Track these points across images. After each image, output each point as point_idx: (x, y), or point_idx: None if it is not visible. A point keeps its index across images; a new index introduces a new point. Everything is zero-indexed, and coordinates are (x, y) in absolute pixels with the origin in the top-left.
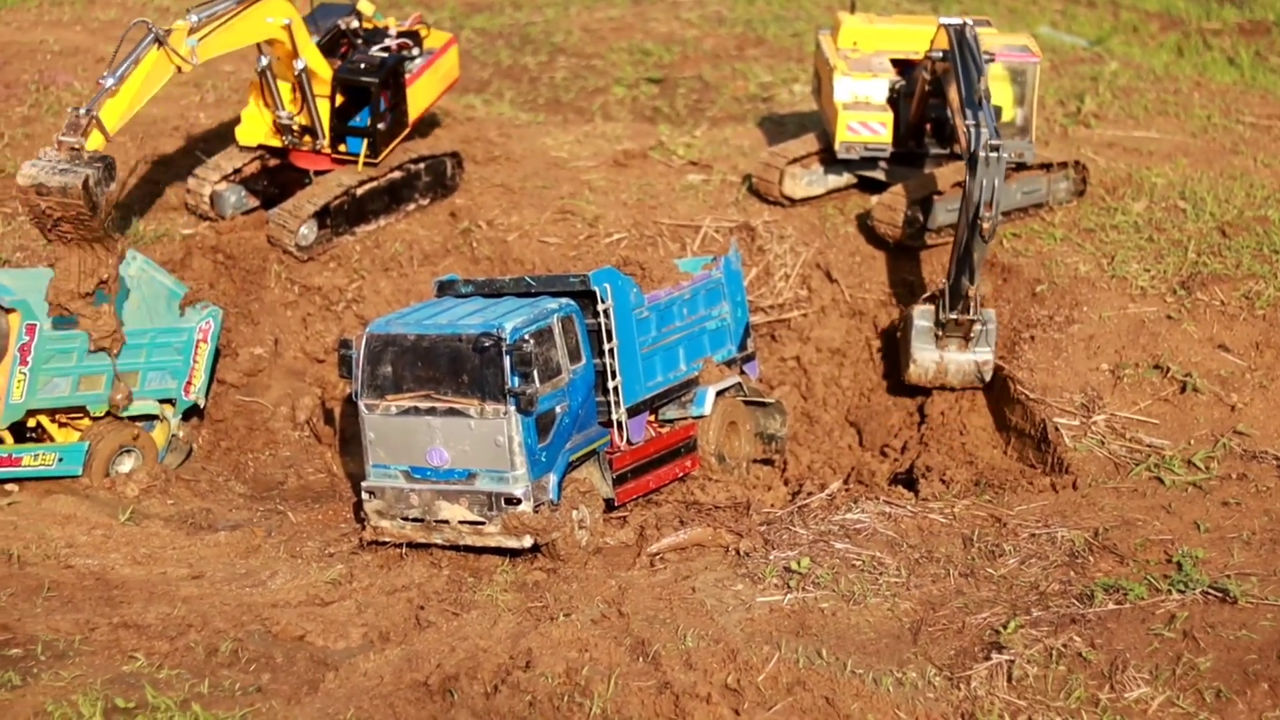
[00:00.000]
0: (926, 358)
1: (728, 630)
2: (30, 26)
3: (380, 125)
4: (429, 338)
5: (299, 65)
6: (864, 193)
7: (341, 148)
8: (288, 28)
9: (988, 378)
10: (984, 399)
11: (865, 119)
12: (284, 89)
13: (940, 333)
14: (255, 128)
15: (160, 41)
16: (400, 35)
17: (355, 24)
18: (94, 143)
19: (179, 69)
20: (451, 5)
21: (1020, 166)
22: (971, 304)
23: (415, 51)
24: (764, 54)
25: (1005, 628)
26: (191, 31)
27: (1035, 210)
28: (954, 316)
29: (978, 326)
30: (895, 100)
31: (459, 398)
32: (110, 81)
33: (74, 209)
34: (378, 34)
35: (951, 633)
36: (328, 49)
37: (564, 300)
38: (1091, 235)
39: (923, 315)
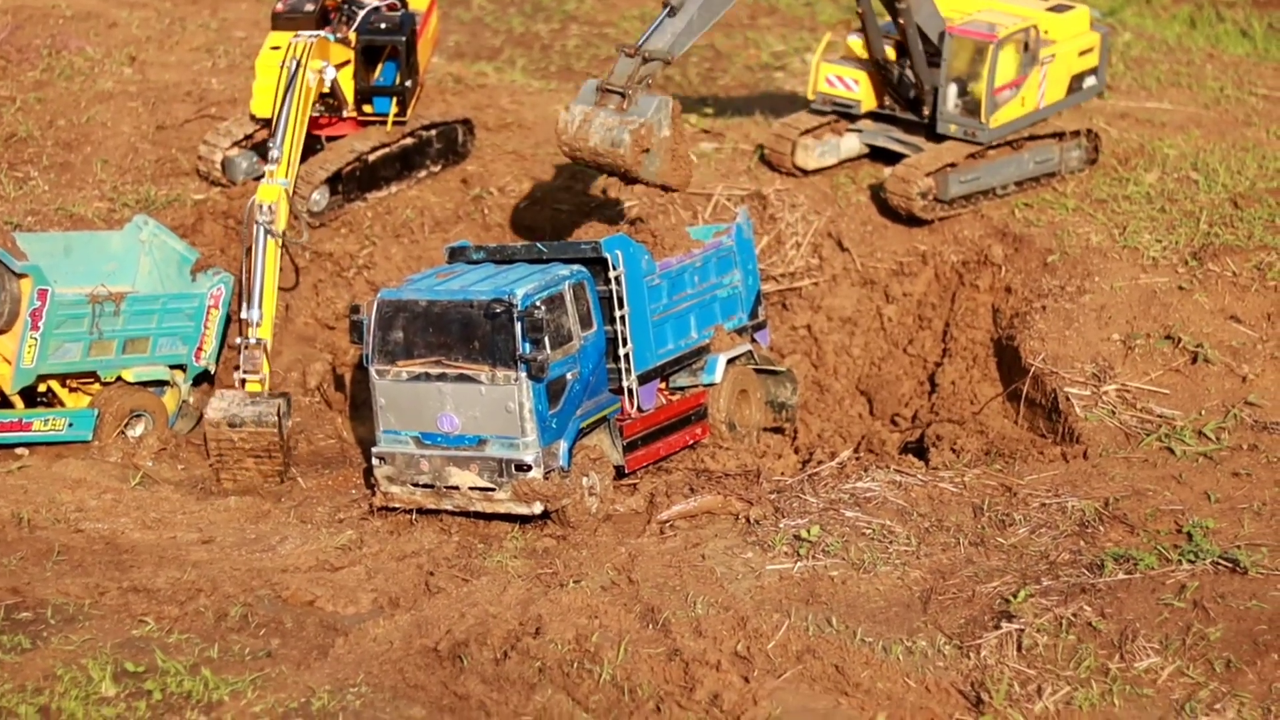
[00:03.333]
0: (574, 111)
1: (737, 598)
2: None
3: (408, 83)
4: (440, 303)
5: (330, 76)
6: (875, 162)
7: (367, 108)
8: (321, 71)
9: (625, 153)
10: (995, 368)
11: (842, 73)
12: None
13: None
14: (269, 100)
15: (271, 233)
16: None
17: None
18: (266, 366)
19: (286, 246)
20: None
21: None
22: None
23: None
24: (776, 23)
25: (1015, 597)
26: (272, 175)
27: (1047, 180)
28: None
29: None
30: (881, 61)
31: (470, 364)
32: (255, 313)
33: (266, 439)
34: (358, 0)
35: (961, 601)
36: (320, 21)
37: (575, 267)
38: (1103, 205)
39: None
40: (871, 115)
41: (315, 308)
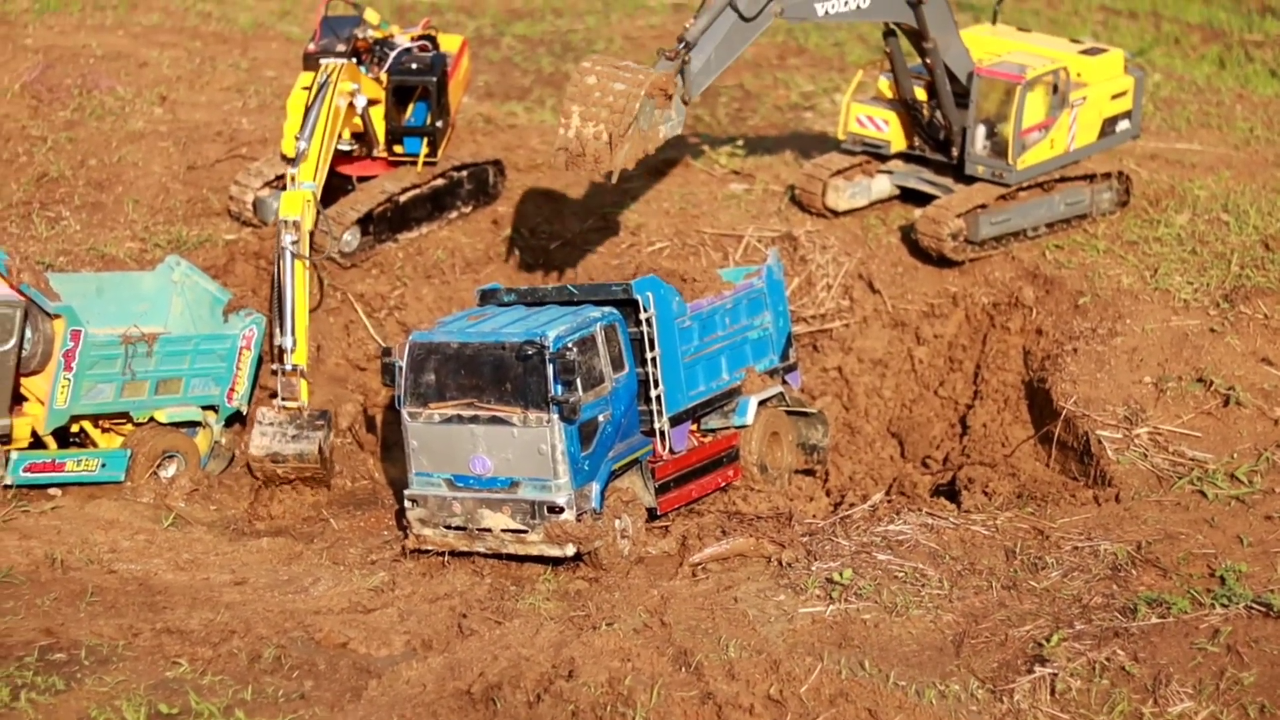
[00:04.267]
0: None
1: (770, 641)
2: (73, 30)
3: (439, 123)
4: (472, 345)
5: (360, 104)
6: (906, 204)
7: (398, 149)
8: (353, 92)
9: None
10: (1026, 411)
11: (872, 113)
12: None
13: None
14: None
15: (298, 256)
16: (418, 39)
17: (369, 32)
18: (304, 393)
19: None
20: (493, 12)
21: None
22: None
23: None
24: (805, 63)
25: (1048, 641)
26: (294, 180)
27: (1078, 221)
28: None
29: None
30: (910, 101)
31: (502, 406)
32: (289, 340)
33: (309, 470)
34: (390, 42)
35: (994, 645)
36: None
37: (607, 309)
38: (1134, 247)
39: None
40: (902, 156)
41: (347, 348)
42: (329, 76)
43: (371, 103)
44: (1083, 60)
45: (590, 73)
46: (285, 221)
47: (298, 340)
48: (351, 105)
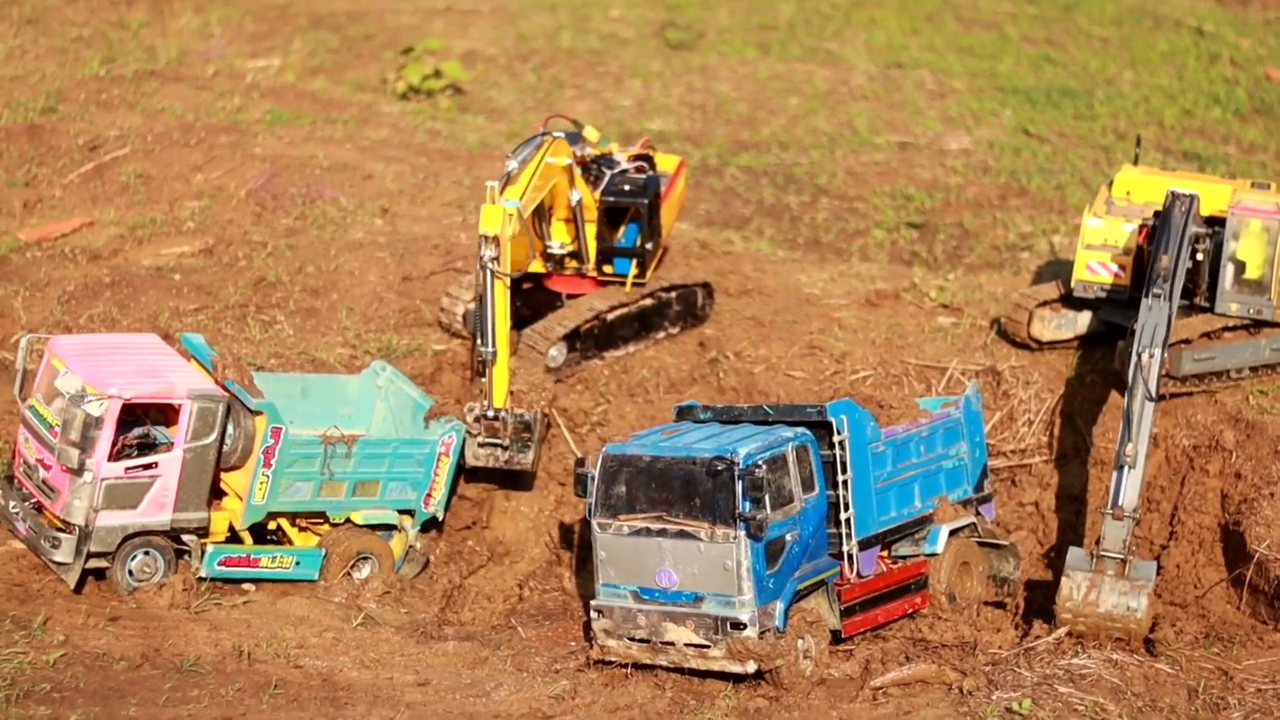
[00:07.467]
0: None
1: None
2: (302, 142)
3: (649, 245)
4: (663, 459)
5: (574, 198)
6: (1112, 342)
7: (607, 269)
8: (568, 167)
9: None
10: (1220, 554)
11: (1105, 260)
12: (555, 217)
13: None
14: (516, 256)
15: (495, 273)
16: (635, 159)
17: (587, 150)
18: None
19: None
20: (718, 142)
21: (1259, 324)
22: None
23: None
24: (1026, 204)
25: None
26: (494, 193)
27: None
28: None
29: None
30: (1140, 247)
31: (690, 520)
32: (490, 351)
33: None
34: (609, 159)
35: None
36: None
37: (800, 429)
38: None
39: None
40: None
41: (547, 462)
42: (543, 139)
43: (585, 222)
44: None
45: None
46: (485, 237)
47: (499, 351)
48: (568, 175)
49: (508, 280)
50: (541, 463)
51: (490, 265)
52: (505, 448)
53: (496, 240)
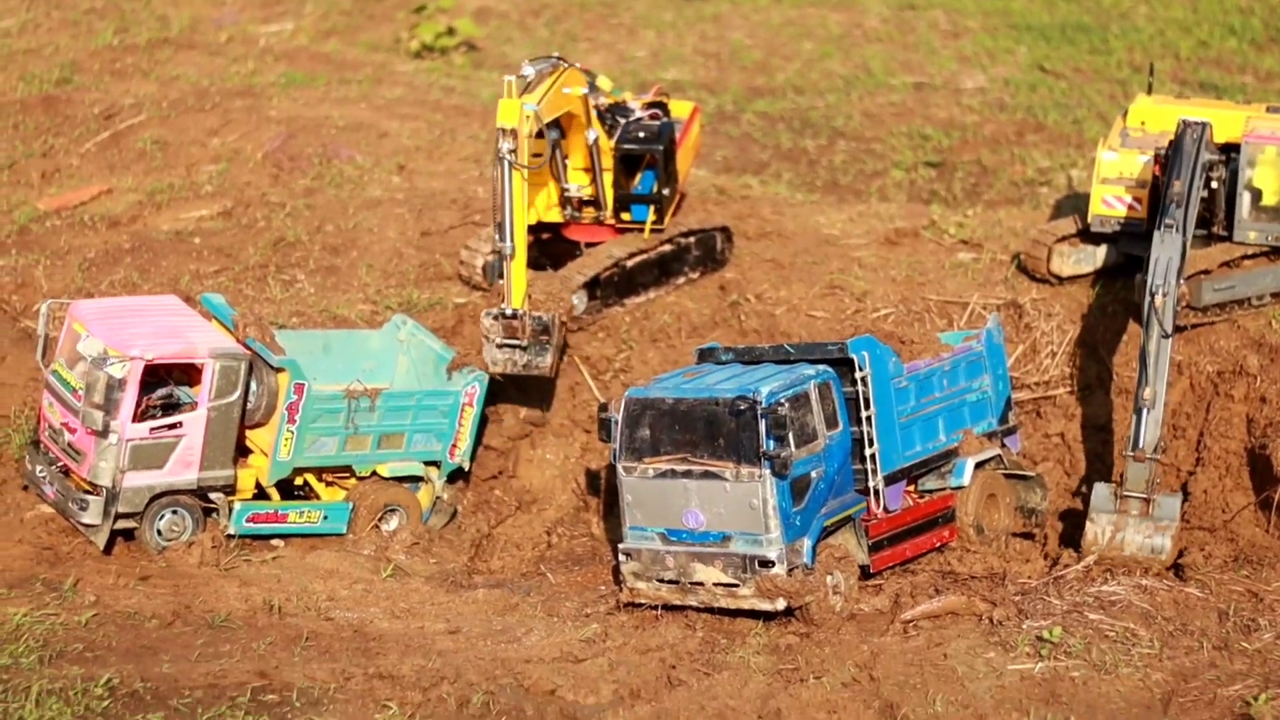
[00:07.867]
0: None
1: (978, 696)
2: (317, 103)
3: (665, 191)
4: (686, 401)
5: (591, 137)
6: (1131, 274)
7: (625, 216)
8: (584, 98)
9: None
10: (1248, 478)
11: (1121, 194)
12: (571, 163)
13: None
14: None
15: (514, 165)
16: (649, 106)
17: (601, 99)
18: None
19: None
20: (734, 89)
21: (1278, 250)
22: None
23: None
24: (1043, 140)
25: (1256, 699)
26: (510, 89)
27: None
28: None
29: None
30: (1155, 178)
31: (715, 460)
32: (508, 246)
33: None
34: (623, 108)
35: (1203, 704)
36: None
37: (821, 367)
38: None
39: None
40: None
41: (572, 409)
42: (558, 62)
43: (602, 170)
44: None
45: None
46: (503, 130)
47: (517, 246)
48: (584, 108)
49: (525, 173)
50: (567, 410)
51: (509, 157)
52: (524, 349)
53: (514, 133)
